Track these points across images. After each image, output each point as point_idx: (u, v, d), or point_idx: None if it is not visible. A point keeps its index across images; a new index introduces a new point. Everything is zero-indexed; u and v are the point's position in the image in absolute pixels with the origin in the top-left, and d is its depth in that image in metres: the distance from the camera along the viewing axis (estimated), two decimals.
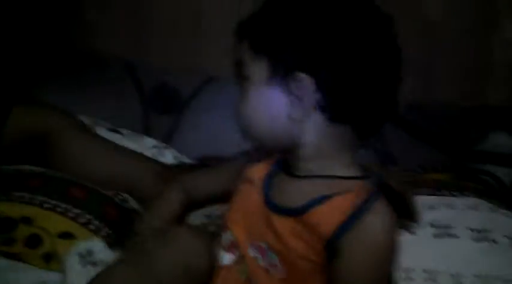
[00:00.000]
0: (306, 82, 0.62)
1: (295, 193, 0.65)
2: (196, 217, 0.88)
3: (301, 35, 0.63)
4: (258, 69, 0.64)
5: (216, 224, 0.85)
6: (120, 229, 0.98)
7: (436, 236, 0.90)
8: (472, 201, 1.01)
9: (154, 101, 1.31)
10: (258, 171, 0.70)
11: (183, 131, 1.30)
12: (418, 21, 1.19)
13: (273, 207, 0.66)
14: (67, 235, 0.90)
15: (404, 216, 0.80)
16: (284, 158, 0.68)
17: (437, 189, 1.07)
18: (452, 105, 1.31)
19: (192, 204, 0.81)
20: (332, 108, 0.63)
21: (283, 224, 0.64)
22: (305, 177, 0.65)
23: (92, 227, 0.94)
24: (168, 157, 1.23)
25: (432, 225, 0.93)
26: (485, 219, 0.95)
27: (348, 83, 0.62)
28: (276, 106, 0.63)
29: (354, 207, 0.61)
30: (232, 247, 0.68)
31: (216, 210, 0.89)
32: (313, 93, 0.62)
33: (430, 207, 0.96)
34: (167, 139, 1.31)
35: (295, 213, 0.63)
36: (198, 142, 1.29)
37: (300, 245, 0.63)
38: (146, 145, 1.24)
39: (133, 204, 1.05)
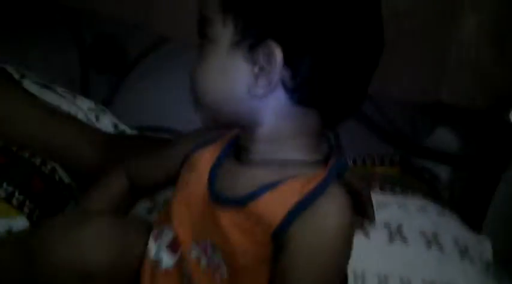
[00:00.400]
0: (276, 54, 0.54)
1: (244, 180, 0.58)
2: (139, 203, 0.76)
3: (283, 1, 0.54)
4: (224, 30, 0.55)
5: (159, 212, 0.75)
6: (44, 204, 0.86)
7: (390, 240, 0.87)
8: (421, 202, 1.00)
9: (96, 57, 1.15)
10: (205, 158, 0.62)
11: (125, 95, 1.16)
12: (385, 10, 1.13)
13: (216, 198, 0.58)
14: None
15: (360, 214, 0.77)
16: (235, 139, 0.61)
17: (388, 185, 1.05)
18: (407, 99, 1.26)
19: (136, 192, 0.71)
20: (300, 89, 0.55)
21: (226, 217, 0.56)
22: (256, 162, 0.58)
23: (14, 202, 0.81)
24: (106, 123, 1.09)
25: (385, 226, 0.89)
26: (435, 223, 0.93)
27: (324, 64, 0.55)
28: (237, 75, 0.56)
29: (305, 192, 0.54)
30: (174, 245, 0.59)
31: (161, 195, 0.78)
32: (281, 68, 0.54)
33: (382, 205, 0.94)
34: (106, 102, 1.17)
35: (239, 203, 0.56)
36: (140, 110, 1.16)
37: (244, 239, 0.55)
38: (81, 107, 1.09)
39: (62, 175, 0.92)
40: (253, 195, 0.55)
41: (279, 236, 0.53)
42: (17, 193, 0.82)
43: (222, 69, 0.56)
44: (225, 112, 0.57)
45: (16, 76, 1.06)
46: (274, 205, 0.54)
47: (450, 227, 0.92)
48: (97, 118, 1.11)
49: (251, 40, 0.55)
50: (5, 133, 0.91)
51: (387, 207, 0.94)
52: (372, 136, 1.26)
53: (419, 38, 1.22)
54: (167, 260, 0.58)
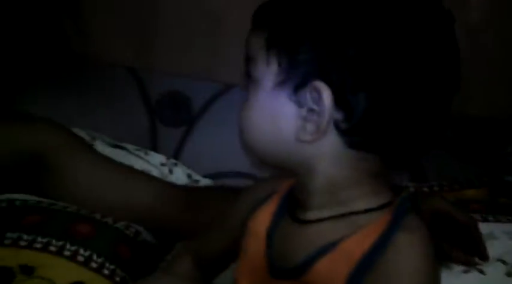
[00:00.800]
0: (324, 95, 0.48)
1: (301, 243, 0.52)
2: None
3: (332, 33, 0.48)
4: (269, 70, 0.51)
5: None
6: (133, 269, 0.85)
7: (509, 274, 0.80)
8: None
9: (163, 112, 1.16)
10: (261, 220, 0.56)
11: (195, 145, 1.15)
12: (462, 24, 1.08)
13: (275, 271, 0.53)
14: None
15: (471, 252, 0.74)
16: (290, 193, 0.55)
17: (487, 212, 0.97)
18: (485, 117, 1.21)
19: (208, 272, 0.66)
20: (355, 132, 0.49)
21: None
22: (313, 221, 0.52)
23: (105, 272, 0.79)
24: (179, 175, 1.09)
25: (501, 261, 0.82)
26: None
27: (382, 103, 0.48)
28: (283, 118, 0.51)
29: (366, 248, 0.48)
30: None
31: None
32: (332, 110, 0.49)
33: (490, 236, 0.86)
34: (176, 154, 1.16)
35: (295, 274, 0.51)
36: (210, 158, 1.15)
37: None
38: (154, 163, 1.10)
39: (146, 236, 0.92)
40: (308, 263, 0.50)
41: None
42: (107, 264, 0.80)
43: (266, 110, 0.51)
44: (272, 156, 0.53)
45: (87, 138, 1.07)
46: (332, 271, 0.49)
47: None
48: (170, 171, 1.11)
49: (296, 80, 0.50)
50: (87, 201, 0.91)
51: (497, 238, 0.87)
52: (456, 160, 1.21)
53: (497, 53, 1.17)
54: None
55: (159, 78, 1.16)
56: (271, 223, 0.55)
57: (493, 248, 0.79)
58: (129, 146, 1.10)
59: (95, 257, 0.80)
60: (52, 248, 0.78)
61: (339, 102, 0.48)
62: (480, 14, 1.12)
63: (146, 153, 1.11)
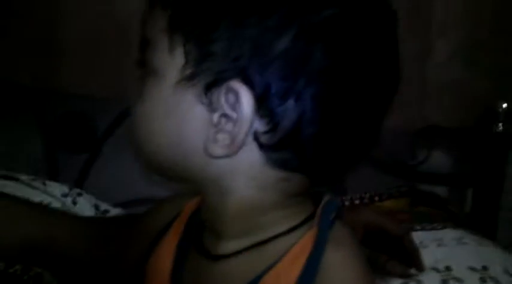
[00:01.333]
0: (243, 98, 0.38)
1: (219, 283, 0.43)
2: None
3: (258, 17, 0.38)
4: (172, 60, 0.40)
5: None
6: None
7: (444, 282, 0.80)
8: (453, 232, 0.95)
9: (61, 136, 1.03)
10: (163, 259, 0.46)
11: (100, 172, 1.04)
12: None
13: None
14: None
15: (407, 263, 0.72)
16: (195, 216, 0.45)
17: (414, 221, 1.00)
18: (396, 129, 1.23)
19: None
20: (279, 148, 0.40)
21: None
22: (227, 256, 0.43)
23: None
24: (85, 206, 0.97)
25: (434, 269, 0.82)
26: (478, 255, 0.88)
27: (319, 116, 0.39)
28: (190, 123, 0.40)
29: (295, 277, 0.41)
30: None
31: None
32: (251, 118, 0.39)
33: (421, 245, 0.86)
34: (79, 183, 1.04)
35: None
36: (120, 184, 1.04)
37: None
38: (54, 194, 0.97)
39: (48, 280, 0.80)
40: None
41: None
42: None
43: (168, 109, 0.40)
44: (173, 167, 0.42)
45: None
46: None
47: (495, 257, 0.88)
48: (74, 202, 0.99)
49: (208, 76, 0.39)
50: None
51: (426, 246, 0.88)
52: (372, 172, 1.21)
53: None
54: None
55: (59, 99, 1.04)
56: (175, 261, 0.45)
57: (425, 258, 0.79)
58: (23, 176, 0.97)
59: None
60: None
61: (261, 109, 0.38)
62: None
63: (44, 184, 0.98)
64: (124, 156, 1.09)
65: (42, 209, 0.86)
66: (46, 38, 1.00)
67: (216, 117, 0.39)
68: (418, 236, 0.88)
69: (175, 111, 0.40)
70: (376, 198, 1.16)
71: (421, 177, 1.23)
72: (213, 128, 0.39)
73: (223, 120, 0.39)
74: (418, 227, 0.94)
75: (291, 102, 0.38)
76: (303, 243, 0.41)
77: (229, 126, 0.39)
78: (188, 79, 0.39)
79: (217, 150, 0.39)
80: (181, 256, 0.45)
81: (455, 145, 1.24)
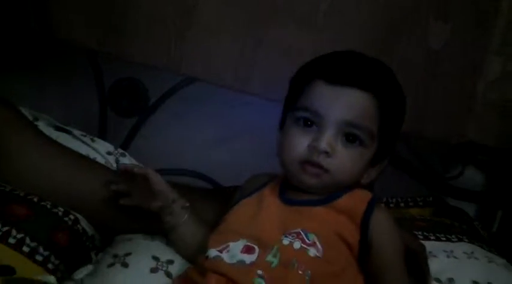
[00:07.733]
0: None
1: (310, 196, 0.74)
2: None
3: (399, 125, 0.77)
4: (374, 143, 0.74)
5: None
6: (69, 257, 0.80)
7: None
8: (466, 246, 0.96)
9: (116, 99, 1.11)
10: (268, 189, 0.78)
11: (146, 138, 1.11)
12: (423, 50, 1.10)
13: (299, 202, 0.74)
14: (6, 270, 0.70)
15: (416, 277, 0.77)
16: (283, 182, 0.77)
17: (429, 230, 1.00)
18: (440, 139, 1.24)
19: None
20: (380, 156, 0.76)
21: (317, 211, 0.73)
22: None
23: (38, 258, 0.75)
24: None
25: (436, 280, 0.85)
26: (486, 271, 0.90)
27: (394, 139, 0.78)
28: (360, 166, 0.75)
29: (368, 197, 0.73)
30: (249, 250, 0.71)
31: None
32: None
33: (429, 254, 0.88)
34: (125, 145, 1.12)
35: (323, 202, 0.73)
36: (160, 153, 1.11)
37: (336, 220, 0.72)
38: (100, 151, 1.04)
39: (85, 225, 0.86)
40: (329, 199, 0.73)
41: (366, 225, 0.71)
42: (41, 249, 0.76)
43: (362, 163, 0.74)
44: (350, 183, 0.75)
45: (29, 116, 1.01)
46: (352, 204, 0.72)
47: (502, 275, 0.89)
48: (117, 161, 1.06)
49: (380, 159, 0.76)
50: (26, 183, 0.86)
51: (435, 255, 0.91)
52: (403, 177, 1.23)
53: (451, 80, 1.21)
54: (248, 258, 0.70)
55: (118, 66, 1.12)
56: (278, 191, 0.76)
57: (432, 267, 0.82)
58: (75, 131, 1.04)
59: (28, 240, 0.75)
60: None
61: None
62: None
63: (93, 140, 1.05)
64: (170, 126, 1.16)
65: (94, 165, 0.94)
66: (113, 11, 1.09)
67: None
68: (430, 245, 0.91)
69: (365, 162, 0.75)
70: (402, 204, 1.17)
71: (452, 190, 1.25)
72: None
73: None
74: (432, 237, 0.96)
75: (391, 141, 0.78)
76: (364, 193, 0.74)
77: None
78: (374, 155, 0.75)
79: (373, 175, 0.78)
80: (282, 192, 0.76)
81: (491, 165, 1.25)
